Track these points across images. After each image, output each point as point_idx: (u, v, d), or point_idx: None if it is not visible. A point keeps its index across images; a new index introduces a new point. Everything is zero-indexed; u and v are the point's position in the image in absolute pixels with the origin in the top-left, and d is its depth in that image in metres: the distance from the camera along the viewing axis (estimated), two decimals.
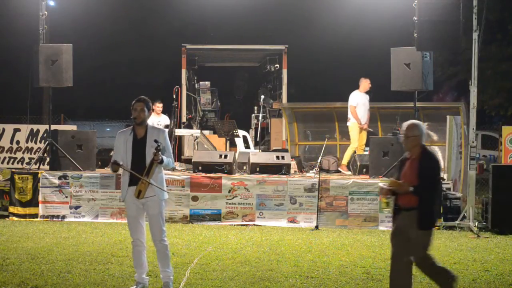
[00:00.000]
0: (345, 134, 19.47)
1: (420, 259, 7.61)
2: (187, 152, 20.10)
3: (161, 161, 8.22)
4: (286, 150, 18.20)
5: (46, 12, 15.76)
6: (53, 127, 16.39)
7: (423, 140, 7.79)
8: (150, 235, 8.50)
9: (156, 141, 8.19)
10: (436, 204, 7.61)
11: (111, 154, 8.58)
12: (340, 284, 9.05)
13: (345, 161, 16.81)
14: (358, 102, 16.96)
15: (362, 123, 16.82)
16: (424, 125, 7.97)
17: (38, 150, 17.86)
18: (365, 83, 17.03)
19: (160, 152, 8.17)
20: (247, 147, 20.34)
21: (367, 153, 16.21)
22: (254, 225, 14.26)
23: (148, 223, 8.48)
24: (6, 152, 18.75)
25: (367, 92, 17.08)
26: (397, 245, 7.70)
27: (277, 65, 22.85)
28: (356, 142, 16.96)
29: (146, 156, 8.32)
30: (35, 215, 14.68)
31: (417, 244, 7.53)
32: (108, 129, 32.73)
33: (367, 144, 16.68)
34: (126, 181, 8.44)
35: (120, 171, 8.47)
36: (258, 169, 15.08)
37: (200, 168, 15.06)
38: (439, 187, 7.66)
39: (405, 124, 7.95)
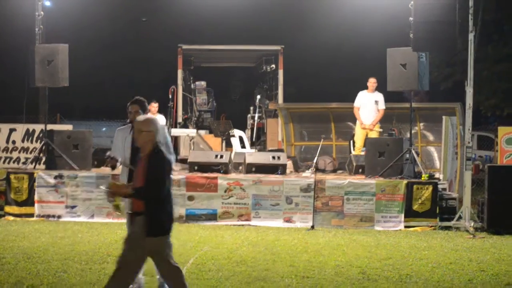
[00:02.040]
0: (341, 135, 19.51)
1: (166, 268, 7.07)
2: (183, 152, 20.08)
3: None
4: (282, 150, 18.22)
5: (42, 12, 15.76)
6: (49, 126, 16.37)
7: (157, 138, 7.11)
8: None
9: None
10: (165, 209, 7.00)
11: (108, 153, 8.49)
12: (336, 284, 9.05)
13: None
14: (362, 102, 16.91)
15: (365, 123, 16.79)
16: (159, 123, 7.29)
17: (34, 149, 17.81)
18: (368, 83, 16.98)
19: None
20: (243, 147, 20.31)
21: (363, 153, 16.22)
22: (250, 225, 14.25)
23: None
24: (2, 151, 18.71)
25: (379, 92, 17.00)
26: (126, 250, 7.06)
27: (273, 66, 22.86)
28: (358, 142, 16.99)
29: None
30: (31, 215, 14.66)
31: (154, 253, 7.01)
32: (104, 129, 32.70)
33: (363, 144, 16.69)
34: (125, 179, 8.39)
35: (116, 171, 8.46)
36: (254, 169, 15.08)
37: (196, 168, 15.06)
38: (165, 190, 6.99)
39: (140, 118, 7.29)
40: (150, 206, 6.91)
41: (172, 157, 8.44)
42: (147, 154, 7.03)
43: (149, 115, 7.23)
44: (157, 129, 7.08)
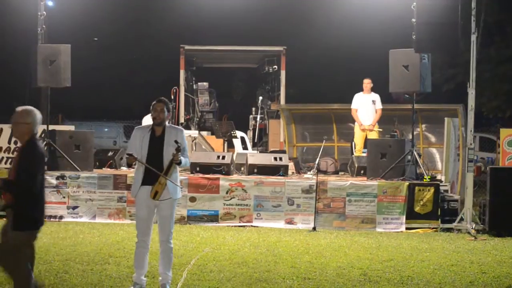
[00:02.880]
0: (343, 136, 19.50)
1: (16, 267, 7.01)
2: None
3: (180, 162, 8.23)
4: (284, 152, 18.20)
5: (44, 12, 15.74)
6: (51, 127, 16.35)
7: (35, 130, 6.99)
8: (154, 235, 8.52)
9: (176, 141, 8.17)
10: (36, 204, 6.88)
11: (126, 153, 8.50)
12: (337, 285, 9.04)
13: None
14: (359, 104, 16.95)
15: (363, 124, 16.80)
16: (39, 114, 7.13)
17: None
18: (363, 84, 17.05)
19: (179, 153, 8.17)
20: (245, 148, 20.33)
21: (364, 154, 16.22)
22: (252, 226, 14.23)
23: (158, 223, 8.47)
24: (4, 152, 18.67)
25: (376, 93, 17.01)
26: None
27: (276, 66, 22.85)
28: (358, 144, 17.00)
29: (164, 155, 8.30)
30: None
31: (14, 247, 6.91)
32: (106, 129, 32.67)
33: (364, 146, 16.69)
34: (139, 179, 8.38)
35: (124, 172, 8.46)
36: (255, 170, 15.07)
37: (197, 169, 15.04)
38: (36, 183, 6.80)
39: (18, 109, 7.12)
40: (20, 199, 6.77)
41: (187, 160, 8.48)
42: (21, 147, 6.89)
43: (27, 106, 7.09)
44: (35, 121, 6.93)
